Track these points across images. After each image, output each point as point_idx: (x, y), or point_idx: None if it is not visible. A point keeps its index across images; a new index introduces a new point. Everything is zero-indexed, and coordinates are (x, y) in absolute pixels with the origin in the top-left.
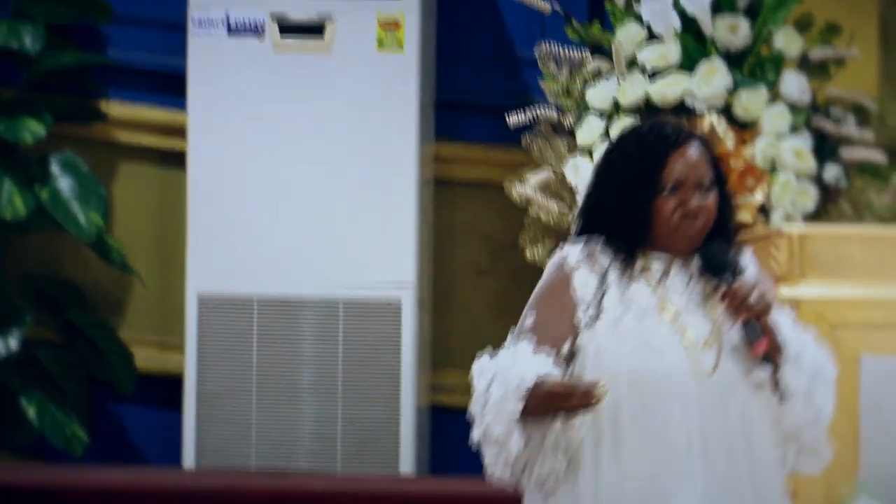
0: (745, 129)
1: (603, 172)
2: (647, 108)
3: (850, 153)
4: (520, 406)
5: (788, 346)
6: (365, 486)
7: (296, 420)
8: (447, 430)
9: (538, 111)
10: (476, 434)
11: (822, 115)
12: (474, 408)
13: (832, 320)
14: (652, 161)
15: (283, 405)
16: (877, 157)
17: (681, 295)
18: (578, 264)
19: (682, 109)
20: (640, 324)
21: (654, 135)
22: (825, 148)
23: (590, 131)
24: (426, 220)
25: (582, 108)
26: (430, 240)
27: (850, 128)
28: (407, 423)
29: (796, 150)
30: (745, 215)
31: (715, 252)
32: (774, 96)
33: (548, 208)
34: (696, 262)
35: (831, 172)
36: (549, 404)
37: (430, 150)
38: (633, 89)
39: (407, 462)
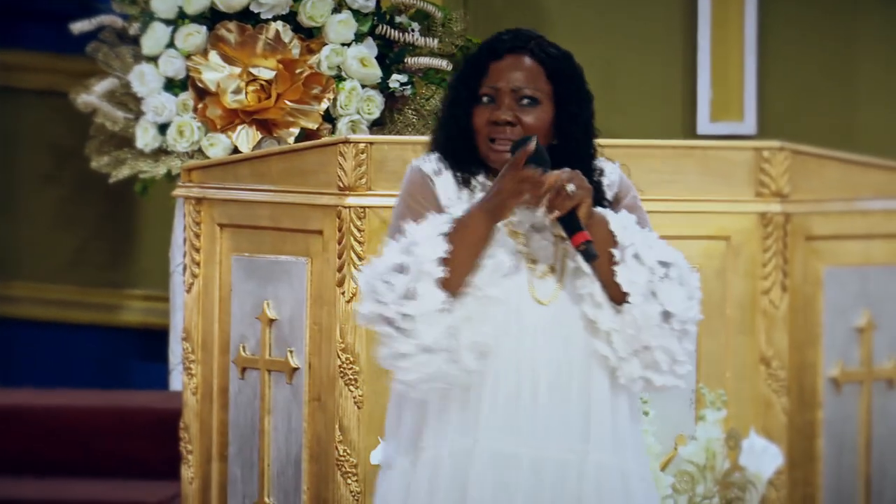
0: (311, 37)
1: (447, 86)
2: (212, 16)
3: (416, 61)
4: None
5: (625, 243)
6: None
7: None
8: (16, 341)
9: (104, 19)
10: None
11: (387, 23)
12: (381, 297)
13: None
14: (475, 69)
15: None
16: (441, 64)
17: (528, 219)
18: (437, 173)
19: (248, 16)
20: (489, 256)
21: (487, 43)
22: (390, 56)
23: (155, 40)
24: None
25: (147, 16)
26: None
27: (414, 35)
28: None
29: (361, 58)
30: (309, 123)
31: (521, 144)
32: (339, 4)
33: (114, 117)
34: None
35: (397, 80)
36: (515, 189)
37: None
38: None
39: None
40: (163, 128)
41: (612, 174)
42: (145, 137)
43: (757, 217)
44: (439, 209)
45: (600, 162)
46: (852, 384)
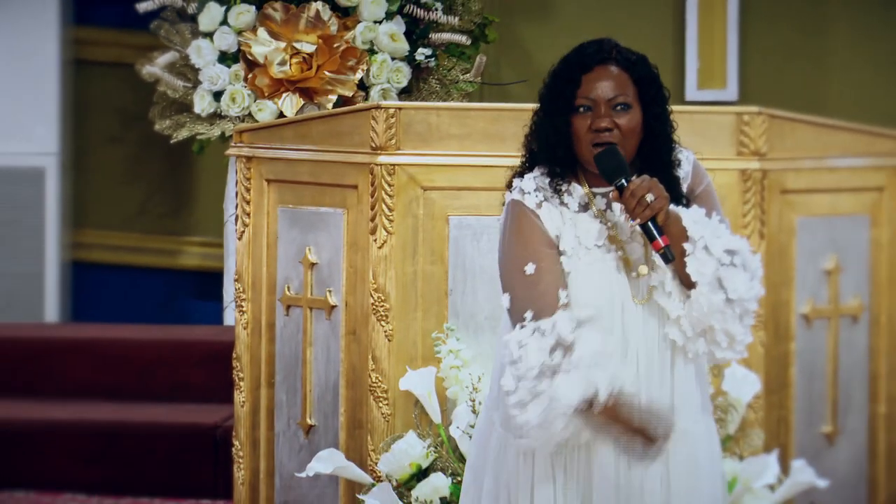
0: (346, 15)
1: (539, 98)
2: None
3: (439, 37)
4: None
5: (696, 237)
6: (14, 332)
7: None
8: (87, 282)
9: (166, 0)
10: (517, 398)
11: (413, 3)
12: (521, 371)
13: (424, 183)
14: (568, 81)
15: None
16: (461, 39)
17: (625, 223)
18: (538, 205)
19: None
20: (589, 256)
21: (574, 55)
22: (417, 31)
23: (210, 18)
24: (67, 96)
25: None
26: (70, 113)
27: (438, 14)
28: (51, 277)
29: (391, 34)
30: (346, 91)
31: (603, 157)
32: None
33: (174, 85)
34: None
35: (422, 53)
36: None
37: (70, 34)
38: None
39: (52, 312)
40: (217, 95)
41: (686, 164)
42: (202, 103)
43: (738, 173)
44: (550, 243)
45: (677, 153)
46: (821, 319)
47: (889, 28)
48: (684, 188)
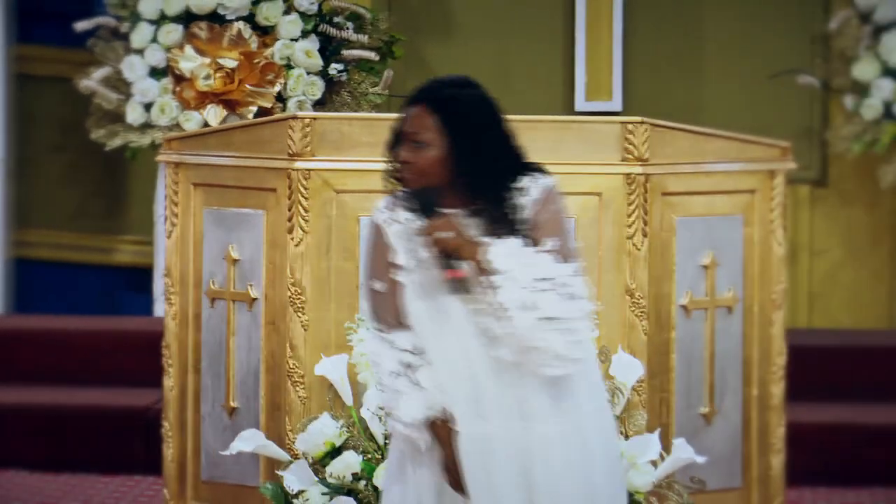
0: (266, 33)
1: None
2: (187, 17)
3: (350, 53)
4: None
5: (501, 269)
6: None
7: None
8: (30, 277)
9: (100, 20)
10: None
11: (327, 23)
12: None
13: (337, 187)
14: (400, 116)
15: None
16: (370, 55)
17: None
18: (385, 219)
19: (215, 17)
20: (421, 271)
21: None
22: (330, 48)
23: (142, 36)
24: (11, 107)
25: (135, 17)
26: (15, 123)
27: (349, 32)
28: None
29: (307, 51)
30: (265, 103)
31: (413, 195)
32: (290, 7)
33: (108, 98)
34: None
35: (335, 68)
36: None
37: (14, 51)
38: (176, 1)
39: None
40: (148, 106)
41: (535, 191)
42: (134, 114)
43: (623, 177)
44: (395, 259)
45: (528, 180)
46: (699, 310)
47: (758, 45)
48: (527, 214)
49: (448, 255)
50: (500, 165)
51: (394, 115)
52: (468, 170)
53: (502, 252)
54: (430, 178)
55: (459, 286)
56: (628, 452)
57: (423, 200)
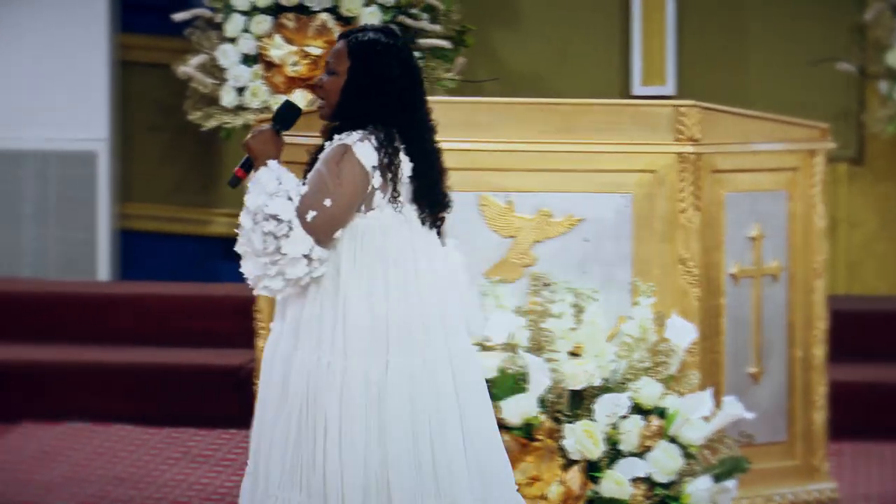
0: (348, 23)
1: None
2: (276, 8)
3: (425, 42)
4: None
5: (252, 181)
6: (73, 288)
7: (18, 241)
8: (133, 247)
9: (197, 11)
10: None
11: (404, 14)
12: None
13: None
14: None
15: (15, 230)
16: (444, 44)
17: None
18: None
19: (302, 9)
20: None
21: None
22: (407, 37)
23: (235, 26)
24: (117, 91)
25: (229, 8)
26: (118, 106)
27: (424, 22)
28: (103, 243)
29: None
30: None
31: (279, 108)
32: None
33: (204, 82)
34: None
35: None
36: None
37: (118, 40)
38: None
39: (103, 272)
40: (241, 90)
41: (334, 144)
42: (228, 97)
43: (676, 156)
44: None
45: (354, 135)
46: (747, 278)
47: (799, 34)
48: (320, 155)
49: (247, 157)
50: (350, 112)
51: (465, 99)
52: (339, 104)
53: (265, 172)
54: (330, 101)
55: (234, 181)
56: (682, 409)
57: (281, 114)
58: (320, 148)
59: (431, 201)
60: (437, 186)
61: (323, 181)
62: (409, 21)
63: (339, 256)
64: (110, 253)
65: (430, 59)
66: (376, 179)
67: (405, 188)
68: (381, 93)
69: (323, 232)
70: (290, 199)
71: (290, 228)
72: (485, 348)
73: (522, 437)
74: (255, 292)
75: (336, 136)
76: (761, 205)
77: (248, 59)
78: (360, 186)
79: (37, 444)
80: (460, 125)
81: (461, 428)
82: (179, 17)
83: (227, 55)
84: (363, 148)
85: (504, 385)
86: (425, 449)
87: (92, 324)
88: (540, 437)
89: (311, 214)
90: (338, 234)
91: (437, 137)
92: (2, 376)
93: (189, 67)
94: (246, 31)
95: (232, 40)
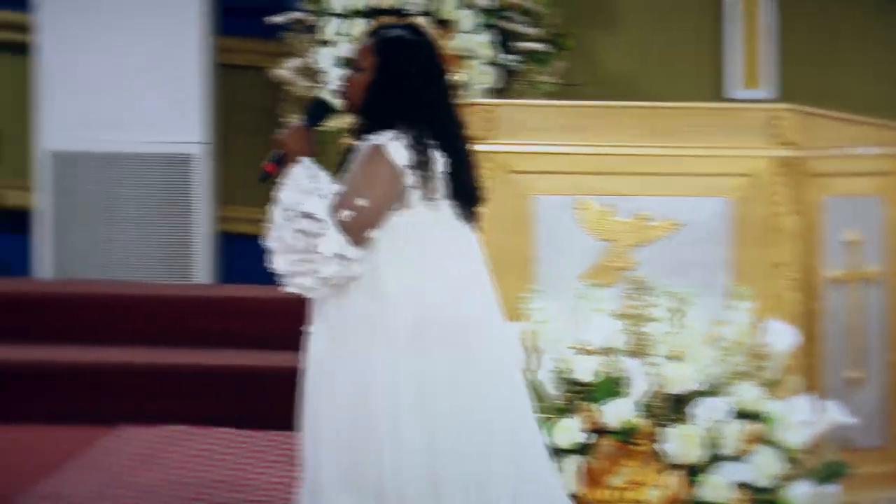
0: (447, 26)
1: None
2: (373, 12)
3: (524, 45)
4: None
5: (286, 180)
6: (171, 291)
7: (116, 243)
8: (233, 251)
9: (294, 14)
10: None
11: (503, 17)
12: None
13: (513, 168)
14: None
15: (113, 232)
16: (542, 48)
17: None
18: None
19: (401, 12)
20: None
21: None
22: (506, 41)
23: (331, 29)
24: (213, 94)
25: (325, 12)
26: (216, 109)
27: (524, 26)
28: (200, 245)
29: (482, 43)
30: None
31: (310, 105)
32: (468, 3)
33: (300, 85)
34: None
35: (511, 59)
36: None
37: (216, 42)
38: None
39: (202, 275)
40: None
41: (366, 144)
42: None
43: (774, 160)
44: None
45: (383, 136)
46: (844, 282)
47: (892, 39)
48: (353, 158)
49: (277, 152)
50: (376, 108)
51: (564, 103)
52: (365, 101)
53: (294, 176)
54: (355, 98)
55: (264, 176)
56: (783, 413)
57: (312, 111)
58: (350, 146)
59: (465, 197)
60: (470, 182)
61: (357, 181)
62: (508, 25)
63: (377, 255)
64: (209, 256)
65: (529, 62)
66: (410, 178)
67: (439, 185)
68: (406, 89)
69: (356, 231)
70: (323, 197)
71: (324, 227)
72: (584, 352)
73: (621, 441)
74: (286, 289)
75: (367, 136)
76: (859, 209)
77: (344, 62)
78: (393, 186)
79: (134, 447)
80: (559, 128)
81: (507, 419)
82: (276, 20)
83: (324, 58)
84: (395, 147)
85: (603, 388)
86: (476, 441)
87: (189, 327)
88: (639, 441)
89: (345, 213)
90: (372, 233)
91: (466, 133)
92: (100, 378)
93: (285, 70)
94: (342, 34)
95: (328, 43)
